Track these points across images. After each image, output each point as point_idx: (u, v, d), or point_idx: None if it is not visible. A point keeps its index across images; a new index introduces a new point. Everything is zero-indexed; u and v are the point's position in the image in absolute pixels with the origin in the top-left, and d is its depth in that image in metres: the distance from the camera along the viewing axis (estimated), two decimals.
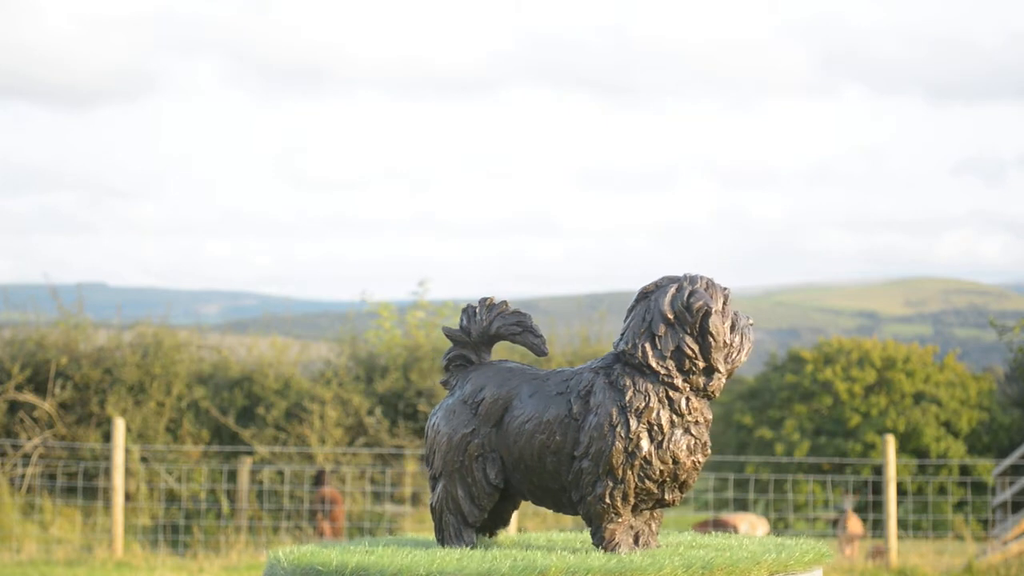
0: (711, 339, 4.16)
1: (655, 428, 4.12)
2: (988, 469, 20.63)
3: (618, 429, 4.11)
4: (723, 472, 21.19)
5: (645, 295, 4.26)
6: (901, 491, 17.82)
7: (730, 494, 17.83)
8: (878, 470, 19.06)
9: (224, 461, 16.13)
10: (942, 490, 20.97)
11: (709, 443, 4.24)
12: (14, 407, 16.33)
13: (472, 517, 4.34)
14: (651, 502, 4.21)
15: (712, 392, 4.20)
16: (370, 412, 16.54)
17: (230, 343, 18.35)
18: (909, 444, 22.31)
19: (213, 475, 15.89)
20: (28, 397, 16.20)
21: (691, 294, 4.20)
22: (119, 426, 13.84)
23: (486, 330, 4.47)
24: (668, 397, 4.15)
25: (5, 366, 16.42)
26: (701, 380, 4.17)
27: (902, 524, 15.68)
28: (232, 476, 15.85)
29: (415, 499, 16.13)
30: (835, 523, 15.60)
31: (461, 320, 4.52)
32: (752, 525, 14.32)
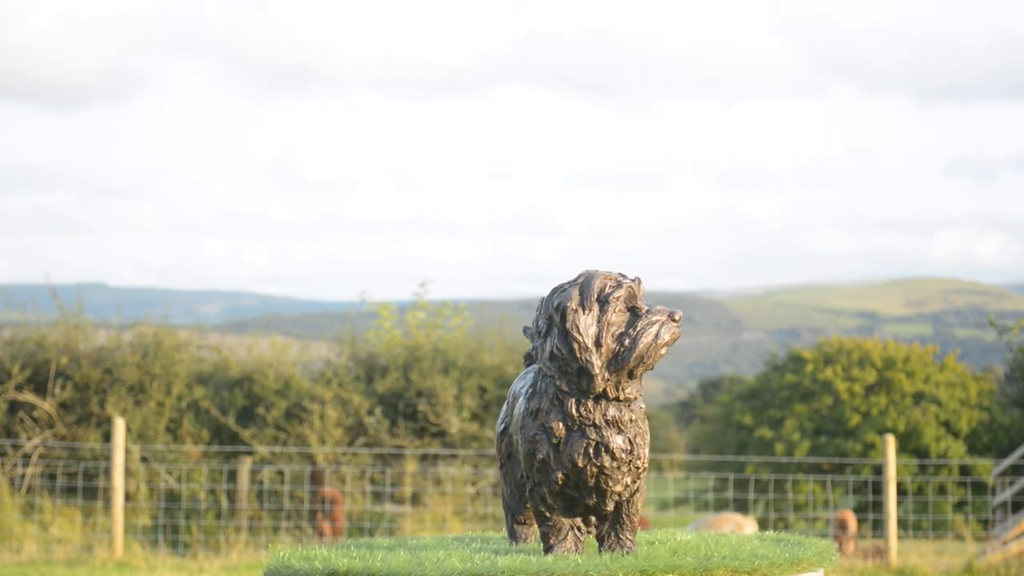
0: (572, 339, 3.93)
1: (549, 430, 3.96)
2: (988, 469, 20.63)
3: (523, 431, 4.03)
4: (723, 472, 21.20)
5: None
6: (901, 491, 17.82)
7: (730, 494, 17.83)
8: (878, 470, 19.06)
9: (224, 461, 16.13)
10: (942, 490, 20.97)
11: (623, 447, 3.91)
12: (14, 407, 16.33)
13: (519, 514, 4.37)
14: (579, 506, 4.03)
15: (599, 392, 3.93)
16: (370, 412, 16.54)
17: (230, 343, 18.34)
18: (909, 444, 22.31)
19: (213, 475, 15.89)
20: (28, 397, 16.20)
21: (559, 292, 4.00)
22: (119, 426, 13.84)
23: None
24: (559, 399, 3.96)
25: (5, 366, 16.42)
26: (583, 382, 3.93)
27: (902, 524, 15.68)
28: (232, 476, 15.85)
29: (415, 499, 16.14)
30: (840, 523, 15.56)
31: None
32: (739, 525, 14.21)
